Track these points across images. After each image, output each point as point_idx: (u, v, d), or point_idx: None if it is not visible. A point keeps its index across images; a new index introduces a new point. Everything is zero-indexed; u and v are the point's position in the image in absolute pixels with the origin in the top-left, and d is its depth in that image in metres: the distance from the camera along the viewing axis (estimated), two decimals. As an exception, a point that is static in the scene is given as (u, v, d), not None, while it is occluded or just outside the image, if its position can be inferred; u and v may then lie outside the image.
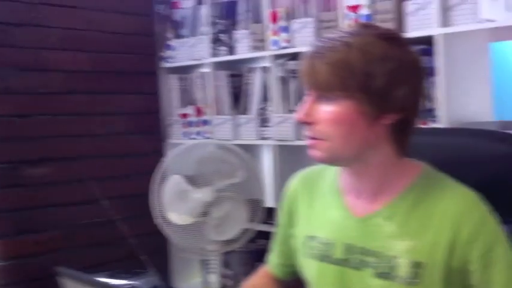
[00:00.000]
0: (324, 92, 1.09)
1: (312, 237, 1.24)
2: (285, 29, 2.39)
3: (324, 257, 1.20)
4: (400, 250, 1.11)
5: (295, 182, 1.36)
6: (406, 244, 1.11)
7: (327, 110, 1.10)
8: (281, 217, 1.38)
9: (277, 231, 1.41)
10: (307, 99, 1.13)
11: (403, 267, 1.11)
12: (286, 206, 1.36)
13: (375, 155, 1.14)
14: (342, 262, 1.18)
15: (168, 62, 2.96)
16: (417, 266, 1.10)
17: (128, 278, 2.44)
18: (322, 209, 1.25)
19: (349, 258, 1.17)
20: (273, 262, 1.42)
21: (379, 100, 1.08)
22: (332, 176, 1.27)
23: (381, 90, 1.07)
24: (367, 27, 1.14)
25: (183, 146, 2.41)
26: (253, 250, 2.65)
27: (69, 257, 2.64)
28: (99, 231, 2.75)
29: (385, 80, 1.07)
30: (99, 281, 0.87)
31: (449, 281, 1.09)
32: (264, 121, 2.54)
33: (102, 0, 2.78)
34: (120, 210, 2.63)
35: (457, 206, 1.10)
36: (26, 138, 2.52)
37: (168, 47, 2.95)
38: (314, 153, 1.13)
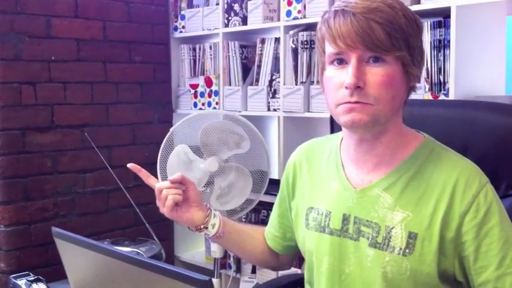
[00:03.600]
0: (377, 53, 1.05)
1: (311, 209, 1.24)
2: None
3: (323, 228, 1.20)
4: (396, 221, 1.10)
5: (296, 154, 1.35)
6: (403, 215, 1.10)
7: (378, 72, 1.06)
8: (281, 190, 1.37)
9: (277, 203, 1.39)
10: (353, 62, 1.06)
11: (398, 238, 1.09)
12: (286, 178, 1.35)
13: (392, 121, 1.12)
14: (339, 232, 1.17)
15: (179, 32, 2.93)
16: (412, 237, 1.09)
17: (132, 245, 2.46)
18: (322, 181, 1.24)
19: (347, 229, 1.16)
20: (270, 234, 1.41)
21: (417, 61, 1.10)
22: (333, 148, 1.26)
23: (418, 51, 1.09)
24: None
25: (190, 116, 2.39)
26: (256, 221, 2.65)
27: (74, 224, 2.66)
28: (105, 199, 2.76)
29: (419, 40, 1.10)
30: (94, 243, 0.86)
31: (443, 252, 1.08)
32: (273, 92, 2.51)
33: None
34: (126, 178, 2.63)
35: (456, 177, 1.09)
36: (35, 105, 2.52)
37: (181, 17, 2.92)
38: (358, 117, 1.07)
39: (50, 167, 2.57)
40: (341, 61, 1.08)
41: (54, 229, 0.95)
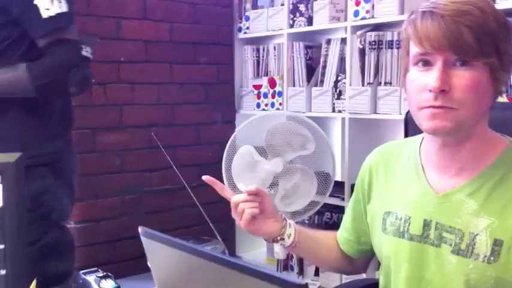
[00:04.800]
0: (465, 57, 1.02)
1: (389, 213, 1.21)
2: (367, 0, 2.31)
3: (401, 233, 1.17)
4: (481, 227, 1.06)
5: (372, 157, 1.32)
6: (488, 222, 1.06)
7: (464, 76, 1.03)
8: (356, 193, 1.35)
9: (351, 207, 1.37)
10: (438, 65, 1.03)
11: (482, 245, 1.05)
12: (362, 181, 1.32)
13: (476, 127, 1.09)
14: (420, 238, 1.14)
15: (243, 32, 2.95)
16: (498, 244, 1.04)
17: (195, 244, 2.48)
18: (401, 184, 1.21)
19: (427, 234, 1.13)
20: (343, 238, 1.38)
21: (506, 66, 1.06)
22: (412, 152, 1.22)
23: (507, 56, 1.05)
24: None
25: (254, 117, 2.40)
26: (319, 223, 2.63)
27: (140, 222, 2.70)
28: (170, 198, 2.80)
29: (509, 45, 1.05)
30: (182, 243, 0.86)
31: None
32: (338, 93, 2.48)
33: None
34: (190, 177, 2.66)
35: None
36: (104, 105, 2.59)
37: (245, 18, 2.93)
38: (441, 124, 1.04)
39: (118, 166, 2.64)
40: (426, 63, 1.05)
41: (142, 228, 0.96)
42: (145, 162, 2.71)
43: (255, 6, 2.91)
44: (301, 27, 2.63)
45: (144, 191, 2.71)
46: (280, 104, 2.76)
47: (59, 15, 1.46)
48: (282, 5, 2.73)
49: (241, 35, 2.97)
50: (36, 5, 1.43)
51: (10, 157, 0.94)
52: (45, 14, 1.44)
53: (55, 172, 1.62)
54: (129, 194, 2.66)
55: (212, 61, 2.93)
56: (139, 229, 0.96)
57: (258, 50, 2.93)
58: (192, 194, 2.59)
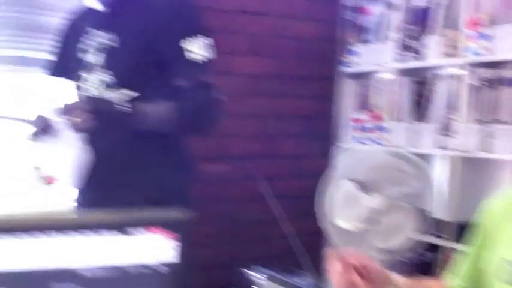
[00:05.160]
0: None
1: (510, 262, 1.11)
2: (485, 36, 2.21)
3: None
4: None
5: (496, 201, 1.24)
6: None
7: None
8: (475, 237, 1.25)
9: (468, 251, 1.28)
10: None
11: None
12: (483, 226, 1.23)
13: None
14: None
15: (347, 66, 2.92)
16: None
17: (284, 275, 2.43)
18: None
19: None
20: (455, 284, 1.29)
21: None
22: None
23: None
24: None
25: (356, 151, 2.34)
26: (418, 262, 2.50)
27: (231, 250, 2.70)
28: (265, 228, 2.78)
29: None
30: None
31: None
32: (445, 130, 2.38)
33: (291, 8, 2.84)
34: (284, 208, 2.64)
35: None
36: (207, 136, 2.62)
37: (349, 52, 2.90)
38: None
39: (215, 195, 2.65)
40: None
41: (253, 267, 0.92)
42: (241, 193, 2.71)
43: (360, 41, 2.88)
44: (410, 62, 2.56)
45: (239, 221, 2.70)
46: (383, 139, 2.68)
47: (204, 59, 1.54)
48: (389, 39, 2.68)
49: (344, 69, 2.94)
50: (185, 48, 1.51)
51: (182, 214, 0.94)
52: (192, 57, 1.52)
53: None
54: (224, 222, 2.66)
55: (313, 94, 2.93)
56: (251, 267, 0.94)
57: (361, 84, 2.89)
58: (285, 225, 2.56)
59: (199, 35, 1.54)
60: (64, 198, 2.33)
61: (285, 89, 2.84)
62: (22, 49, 2.48)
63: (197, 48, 1.52)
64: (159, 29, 1.53)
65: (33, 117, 1.54)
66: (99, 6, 1.59)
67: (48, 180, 2.44)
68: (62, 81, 1.77)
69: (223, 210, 2.66)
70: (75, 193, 1.70)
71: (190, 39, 1.52)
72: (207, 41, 1.55)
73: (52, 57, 1.77)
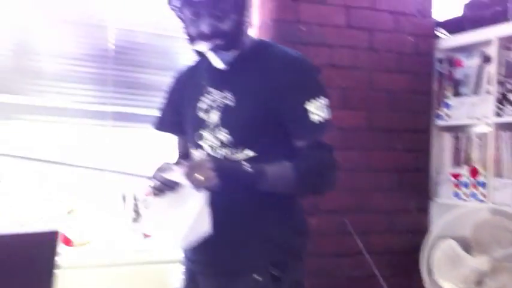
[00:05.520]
0: None
1: None
2: None
3: None
4: None
5: None
6: None
7: None
8: None
9: None
10: None
11: None
12: None
13: None
14: None
15: (443, 120, 2.88)
16: None
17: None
18: None
19: None
20: None
21: None
22: None
23: None
24: None
25: (457, 208, 2.29)
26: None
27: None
28: (358, 284, 2.74)
29: None
30: None
31: None
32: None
33: (382, 61, 2.84)
34: (382, 265, 2.60)
35: None
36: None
37: (445, 105, 2.87)
38: None
39: (310, 250, 2.65)
40: None
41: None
42: (337, 247, 2.70)
43: (456, 94, 2.84)
44: (510, 116, 2.49)
45: (334, 276, 2.69)
46: (483, 195, 2.60)
47: (324, 121, 1.54)
48: (488, 93, 2.63)
49: (440, 122, 2.90)
50: (307, 109, 1.52)
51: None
52: (313, 118, 1.52)
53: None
54: (319, 279, 2.65)
55: (408, 147, 2.89)
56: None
57: (457, 138, 2.83)
58: (382, 282, 2.52)
59: (321, 97, 1.55)
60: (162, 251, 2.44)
61: (378, 141, 2.83)
62: (126, 105, 2.61)
63: (317, 109, 1.53)
64: (281, 89, 1.53)
65: (152, 173, 1.52)
66: (220, 65, 1.60)
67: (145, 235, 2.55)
68: (174, 137, 1.81)
69: (318, 266, 2.65)
70: (183, 249, 1.70)
71: (313, 100, 1.53)
72: (324, 102, 1.55)
73: (162, 113, 1.80)
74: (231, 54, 1.58)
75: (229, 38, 1.54)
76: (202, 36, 1.52)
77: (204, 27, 1.51)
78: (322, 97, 1.55)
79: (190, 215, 1.46)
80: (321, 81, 1.60)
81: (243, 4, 1.57)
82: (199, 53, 1.61)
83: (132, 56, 2.63)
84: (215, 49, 1.54)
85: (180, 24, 1.60)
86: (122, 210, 2.59)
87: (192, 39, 1.56)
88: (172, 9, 1.59)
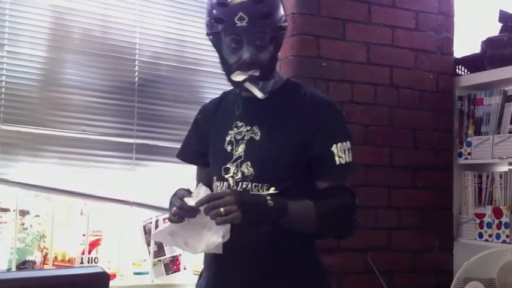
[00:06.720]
0: None
1: None
2: None
3: None
4: None
5: None
6: None
7: None
8: None
9: None
10: None
11: None
12: None
13: None
14: None
15: (464, 158, 2.86)
16: None
17: None
18: None
19: None
20: None
21: None
22: None
23: None
24: None
25: (482, 249, 2.26)
26: None
27: None
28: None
29: None
30: None
31: None
32: None
33: (403, 98, 2.84)
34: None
35: None
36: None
37: (466, 143, 2.86)
38: None
39: (333, 288, 2.63)
40: None
41: None
42: (360, 287, 2.66)
43: (477, 132, 2.83)
44: (533, 156, 2.48)
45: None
46: (508, 236, 2.57)
47: (348, 164, 1.56)
48: (510, 132, 2.62)
49: (461, 161, 2.88)
50: (333, 152, 1.54)
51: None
52: (338, 161, 1.55)
53: None
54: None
55: (430, 186, 2.87)
56: None
57: (480, 177, 2.81)
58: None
59: (347, 141, 1.57)
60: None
61: (400, 179, 2.81)
62: (146, 138, 2.61)
63: (342, 153, 1.55)
64: (310, 130, 1.55)
65: (175, 205, 1.48)
66: (259, 94, 1.58)
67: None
68: (199, 168, 1.82)
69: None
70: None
71: (339, 144, 1.55)
72: (350, 145, 1.58)
73: (186, 143, 1.82)
74: (268, 85, 1.58)
75: (265, 69, 1.55)
76: (241, 65, 1.53)
77: (246, 55, 1.52)
78: (348, 141, 1.57)
79: (207, 245, 1.44)
80: (347, 126, 1.64)
81: (280, 37, 1.59)
82: (235, 83, 1.59)
83: (156, 88, 2.64)
84: (251, 80, 1.55)
85: (210, 56, 1.61)
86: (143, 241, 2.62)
87: (229, 69, 1.57)
88: (211, 39, 1.60)
